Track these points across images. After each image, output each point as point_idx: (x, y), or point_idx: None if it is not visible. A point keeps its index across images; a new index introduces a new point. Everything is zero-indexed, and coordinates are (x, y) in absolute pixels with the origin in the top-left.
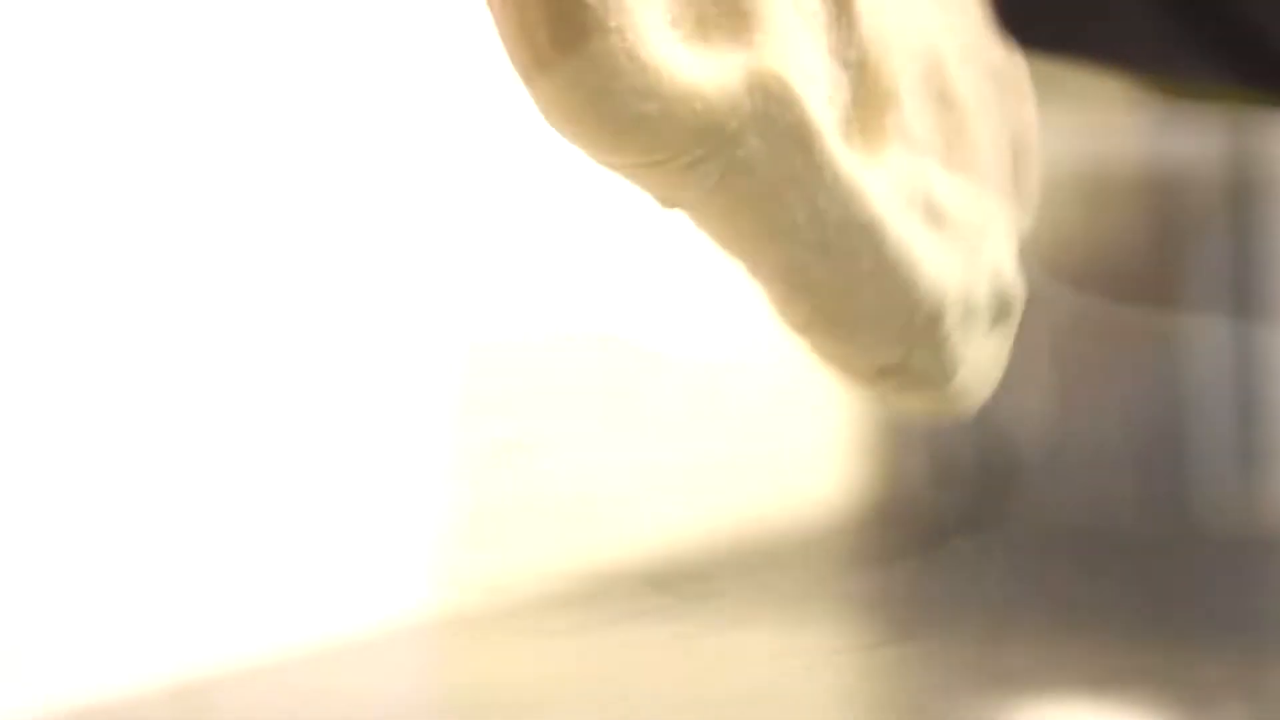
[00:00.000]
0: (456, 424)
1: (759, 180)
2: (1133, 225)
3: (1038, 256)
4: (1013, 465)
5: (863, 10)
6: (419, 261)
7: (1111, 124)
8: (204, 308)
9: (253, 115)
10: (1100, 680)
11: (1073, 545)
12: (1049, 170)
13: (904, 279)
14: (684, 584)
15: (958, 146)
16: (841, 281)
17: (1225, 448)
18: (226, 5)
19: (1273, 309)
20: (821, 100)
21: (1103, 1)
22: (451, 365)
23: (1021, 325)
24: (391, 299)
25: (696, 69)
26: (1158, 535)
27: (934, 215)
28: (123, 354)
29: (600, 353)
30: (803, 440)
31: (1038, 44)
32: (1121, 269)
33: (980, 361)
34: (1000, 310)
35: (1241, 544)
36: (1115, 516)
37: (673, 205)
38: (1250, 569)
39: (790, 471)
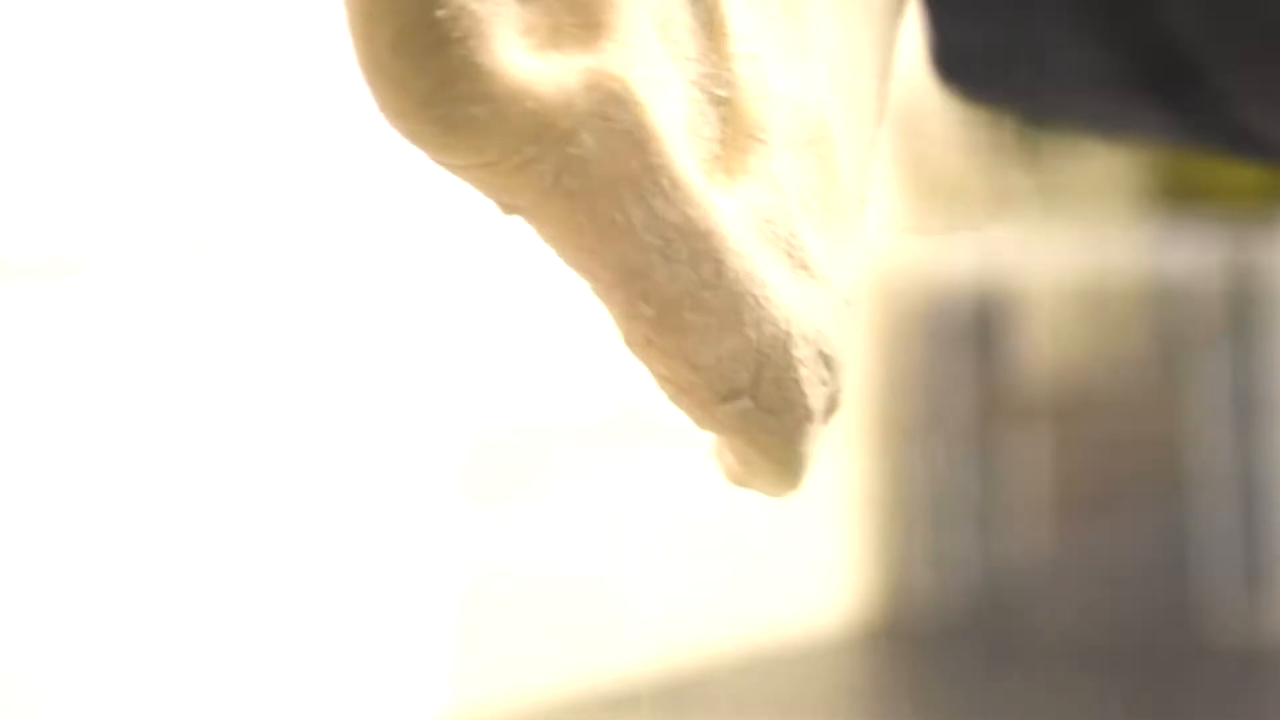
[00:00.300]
0: (460, 540)
1: (593, 179)
2: (1135, 339)
3: (1042, 372)
4: (1018, 580)
5: (737, 54)
6: (422, 371)
7: (1113, 239)
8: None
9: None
10: None
11: (1078, 659)
12: (1052, 286)
13: (749, 291)
14: (689, 696)
15: (833, 222)
16: (682, 286)
17: (1229, 562)
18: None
19: (1275, 422)
20: (673, 115)
21: (1049, 60)
22: (453, 479)
23: (1027, 440)
24: (397, 424)
25: (535, 70)
26: (1162, 649)
27: (797, 260)
28: (130, 475)
29: (604, 459)
30: (809, 555)
31: (985, 99)
32: (1124, 383)
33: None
34: (830, 403)
35: (1245, 657)
36: (1120, 630)
37: (512, 210)
38: (1254, 682)
39: (796, 585)
